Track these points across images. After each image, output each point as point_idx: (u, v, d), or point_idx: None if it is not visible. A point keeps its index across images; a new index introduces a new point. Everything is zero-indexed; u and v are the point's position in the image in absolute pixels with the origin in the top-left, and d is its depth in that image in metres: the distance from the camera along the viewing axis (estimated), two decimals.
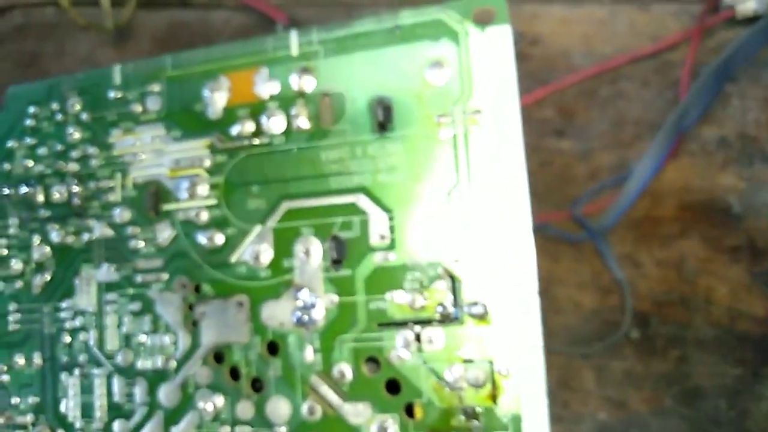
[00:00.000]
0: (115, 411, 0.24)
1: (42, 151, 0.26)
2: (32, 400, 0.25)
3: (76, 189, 0.25)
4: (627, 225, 0.34)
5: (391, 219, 0.22)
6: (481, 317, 0.21)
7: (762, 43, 0.35)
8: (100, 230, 0.25)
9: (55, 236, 0.25)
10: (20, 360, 0.25)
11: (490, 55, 0.22)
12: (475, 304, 0.21)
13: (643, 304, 0.32)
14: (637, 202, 0.35)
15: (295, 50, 0.24)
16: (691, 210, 0.34)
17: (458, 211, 0.21)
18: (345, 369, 0.22)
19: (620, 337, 0.32)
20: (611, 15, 0.37)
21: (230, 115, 0.24)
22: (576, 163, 0.36)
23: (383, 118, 0.22)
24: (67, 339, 0.25)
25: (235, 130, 0.24)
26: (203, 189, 0.24)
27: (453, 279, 0.21)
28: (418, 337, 0.21)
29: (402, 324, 0.21)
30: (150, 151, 0.25)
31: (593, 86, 0.37)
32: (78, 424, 0.24)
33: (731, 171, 0.34)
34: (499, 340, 0.21)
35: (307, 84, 0.23)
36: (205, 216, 0.24)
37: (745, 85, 0.35)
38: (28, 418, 0.25)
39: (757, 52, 0.35)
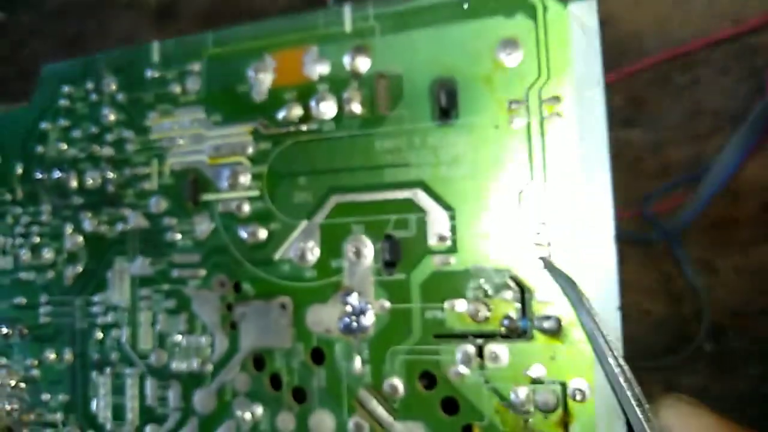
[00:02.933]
0: (148, 414, 0.23)
1: (76, 133, 0.24)
2: (62, 397, 0.24)
3: (110, 175, 0.24)
4: (702, 227, 0.31)
5: (452, 218, 0.20)
6: (554, 333, 0.18)
7: None
8: (135, 220, 0.23)
9: (87, 225, 0.24)
10: (51, 355, 0.24)
11: (572, 34, 0.19)
12: (548, 318, 0.18)
13: (718, 314, 0.29)
14: (714, 202, 0.31)
15: (348, 27, 0.21)
16: None
17: (530, 213, 0.19)
18: (397, 383, 0.20)
19: (693, 351, 0.29)
20: None
21: (276, 98, 0.22)
22: (646, 156, 0.33)
23: (446, 103, 0.20)
24: (99, 335, 0.23)
25: (280, 115, 0.21)
26: (245, 179, 0.22)
27: (523, 289, 0.19)
28: (480, 352, 0.19)
29: (462, 337, 0.19)
30: (189, 136, 0.23)
31: (667, 72, 0.34)
32: (109, 426, 0.23)
33: None
34: (573, 359, 0.18)
35: (362, 64, 0.21)
36: (246, 208, 0.22)
37: None
38: (58, 416, 0.24)
39: None
